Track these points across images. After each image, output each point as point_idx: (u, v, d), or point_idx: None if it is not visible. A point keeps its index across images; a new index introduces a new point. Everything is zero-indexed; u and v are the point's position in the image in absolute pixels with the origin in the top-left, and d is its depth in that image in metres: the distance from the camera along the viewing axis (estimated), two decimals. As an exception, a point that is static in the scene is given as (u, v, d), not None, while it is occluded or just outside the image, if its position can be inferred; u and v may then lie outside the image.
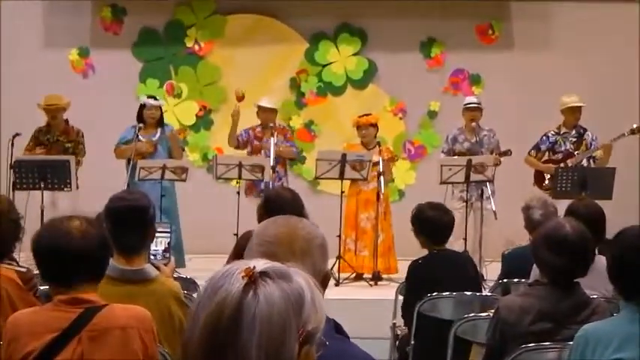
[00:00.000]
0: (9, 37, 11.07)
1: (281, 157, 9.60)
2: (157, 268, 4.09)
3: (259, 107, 9.68)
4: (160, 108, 9.69)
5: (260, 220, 5.05)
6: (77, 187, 9.06)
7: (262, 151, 9.53)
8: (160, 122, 9.62)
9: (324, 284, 2.36)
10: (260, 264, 1.67)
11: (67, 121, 9.66)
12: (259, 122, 9.73)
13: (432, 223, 5.66)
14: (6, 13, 11.07)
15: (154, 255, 4.37)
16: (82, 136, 9.62)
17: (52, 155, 9.27)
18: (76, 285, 3.06)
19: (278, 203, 4.84)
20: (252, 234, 4.82)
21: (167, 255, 4.41)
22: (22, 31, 11.15)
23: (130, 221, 3.88)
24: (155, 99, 9.72)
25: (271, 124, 9.59)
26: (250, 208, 9.20)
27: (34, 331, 3.01)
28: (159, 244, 4.42)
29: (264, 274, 1.65)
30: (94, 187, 9.60)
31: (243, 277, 1.63)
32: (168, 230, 4.45)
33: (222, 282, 1.65)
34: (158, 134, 9.55)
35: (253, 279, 1.63)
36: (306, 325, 1.65)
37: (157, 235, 4.21)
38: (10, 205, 4.39)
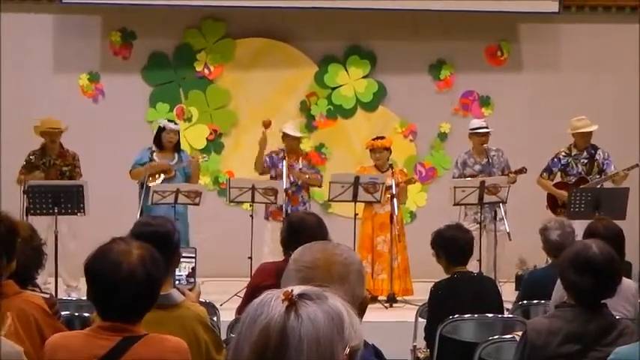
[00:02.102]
0: (19, 62, 11.11)
1: (307, 184, 9.64)
2: (182, 293, 4.08)
3: (285, 134, 9.70)
4: (178, 133, 9.72)
5: (283, 245, 5.07)
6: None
7: (290, 176, 9.55)
8: (177, 147, 9.65)
9: (362, 309, 2.36)
10: (296, 288, 1.68)
11: (61, 144, 9.66)
12: (281, 146, 9.79)
13: (451, 242, 5.66)
14: (16, 38, 11.12)
15: (178, 280, 4.36)
16: (78, 159, 9.62)
17: (50, 179, 9.27)
18: (121, 315, 3.04)
19: (302, 228, 4.83)
20: (267, 266, 4.78)
21: (191, 280, 4.40)
22: (32, 55, 11.19)
23: (155, 246, 3.87)
24: (175, 123, 9.75)
25: (281, 150, 9.66)
26: (263, 232, 9.25)
27: (71, 357, 3.00)
28: (182, 269, 4.41)
29: (303, 295, 1.66)
30: (104, 210, 9.66)
31: (283, 301, 1.64)
32: (193, 255, 4.44)
33: (260, 310, 1.65)
34: (175, 159, 9.58)
35: (293, 301, 1.64)
36: (349, 342, 1.65)
37: (182, 260, 4.20)
38: (33, 232, 4.39)
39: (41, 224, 8.60)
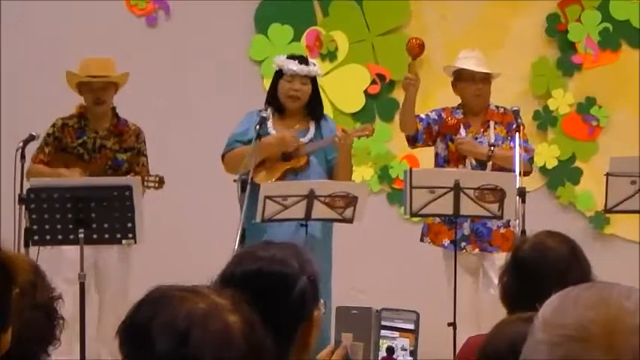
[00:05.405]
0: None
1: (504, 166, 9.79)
2: None
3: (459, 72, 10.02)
4: (315, 80, 9.87)
5: (507, 297, 5.10)
6: None
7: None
8: (313, 108, 9.71)
9: None
10: None
11: (114, 110, 9.78)
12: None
13: None
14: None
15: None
16: (144, 142, 9.86)
17: (94, 175, 9.44)
18: None
19: (541, 265, 4.85)
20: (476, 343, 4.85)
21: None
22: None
23: (261, 298, 3.94)
24: (305, 61, 9.85)
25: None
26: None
27: None
28: (381, 348, 4.53)
29: None
30: (175, 232, 9.87)
31: None
32: (412, 327, 4.53)
33: None
34: (310, 132, 9.66)
35: None
36: None
37: (384, 332, 4.36)
38: (37, 276, 4.47)
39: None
